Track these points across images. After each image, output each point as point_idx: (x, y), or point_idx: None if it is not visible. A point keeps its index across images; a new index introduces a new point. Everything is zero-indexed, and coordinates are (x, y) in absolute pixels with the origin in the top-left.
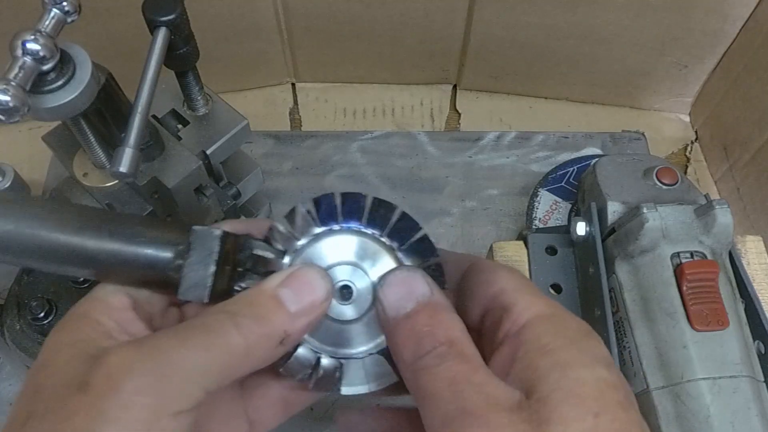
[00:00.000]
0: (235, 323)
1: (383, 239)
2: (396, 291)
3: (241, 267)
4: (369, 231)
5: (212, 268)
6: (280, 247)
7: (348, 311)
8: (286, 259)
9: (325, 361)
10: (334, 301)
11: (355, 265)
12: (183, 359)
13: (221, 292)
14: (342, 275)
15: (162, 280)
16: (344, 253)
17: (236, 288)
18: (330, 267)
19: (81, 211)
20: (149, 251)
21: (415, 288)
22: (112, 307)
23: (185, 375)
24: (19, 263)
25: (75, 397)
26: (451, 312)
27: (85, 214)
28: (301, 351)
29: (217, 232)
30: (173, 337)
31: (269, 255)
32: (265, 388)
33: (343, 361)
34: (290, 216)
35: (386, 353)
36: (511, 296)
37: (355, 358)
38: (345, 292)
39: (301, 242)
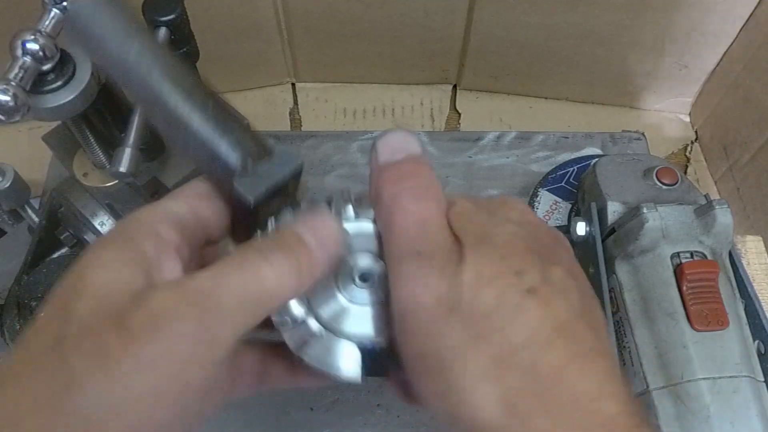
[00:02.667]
0: (265, 258)
1: None
2: (391, 143)
3: (274, 215)
4: None
5: (275, 182)
6: None
7: (359, 295)
8: None
9: (312, 325)
10: (349, 283)
11: (376, 256)
12: (222, 303)
13: (262, 214)
14: (362, 262)
15: (224, 172)
16: (368, 243)
17: (259, 233)
18: (353, 252)
19: (198, 86)
20: (230, 140)
21: (408, 145)
22: (160, 236)
23: (223, 321)
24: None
25: (112, 333)
26: (432, 171)
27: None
28: (293, 303)
29: (299, 161)
30: (211, 279)
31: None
32: (245, 354)
33: (325, 333)
34: (330, 199)
35: (372, 351)
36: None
37: (338, 338)
38: (362, 276)
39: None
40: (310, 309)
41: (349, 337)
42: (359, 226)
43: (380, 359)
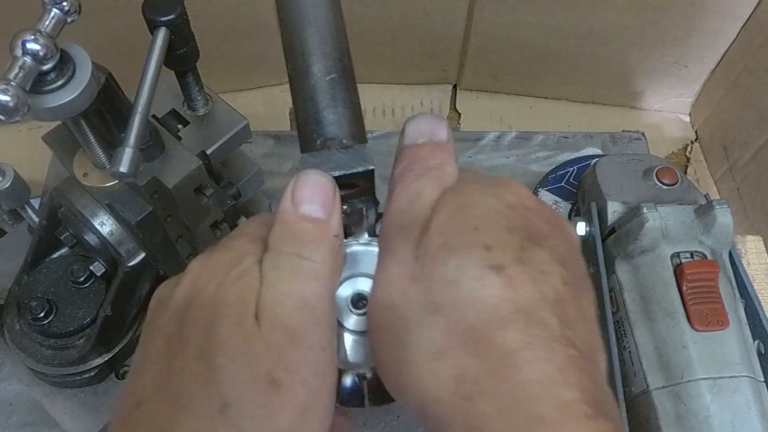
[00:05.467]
0: (301, 254)
1: None
2: (418, 127)
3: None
4: None
5: (333, 170)
6: None
7: (356, 322)
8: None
9: (348, 375)
10: (348, 310)
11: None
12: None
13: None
14: (361, 286)
15: (306, 138)
16: (367, 266)
17: None
18: (352, 276)
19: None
20: (328, 115)
21: (435, 130)
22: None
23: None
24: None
25: (269, 395)
26: (452, 157)
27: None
28: None
29: (370, 167)
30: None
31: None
32: None
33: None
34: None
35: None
36: None
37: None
38: (360, 303)
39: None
40: None
41: (354, 368)
42: (351, 247)
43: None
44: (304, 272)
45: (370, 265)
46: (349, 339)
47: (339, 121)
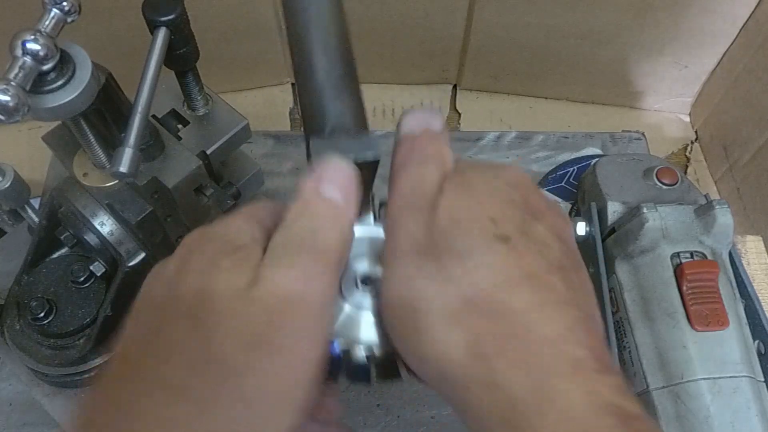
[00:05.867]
0: (315, 230)
1: None
2: (415, 119)
3: None
4: None
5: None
6: None
7: (363, 300)
8: None
9: (355, 352)
10: (356, 288)
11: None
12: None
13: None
14: (364, 266)
15: (314, 125)
16: (369, 249)
17: None
18: (357, 256)
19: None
20: (336, 104)
21: (430, 122)
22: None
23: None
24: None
25: (258, 354)
26: (447, 145)
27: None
28: None
29: (378, 156)
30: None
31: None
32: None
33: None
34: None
35: (382, 357)
36: None
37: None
38: (367, 281)
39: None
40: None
41: (361, 344)
42: (356, 231)
43: (390, 364)
44: (313, 247)
45: (371, 247)
46: (356, 316)
47: (346, 112)
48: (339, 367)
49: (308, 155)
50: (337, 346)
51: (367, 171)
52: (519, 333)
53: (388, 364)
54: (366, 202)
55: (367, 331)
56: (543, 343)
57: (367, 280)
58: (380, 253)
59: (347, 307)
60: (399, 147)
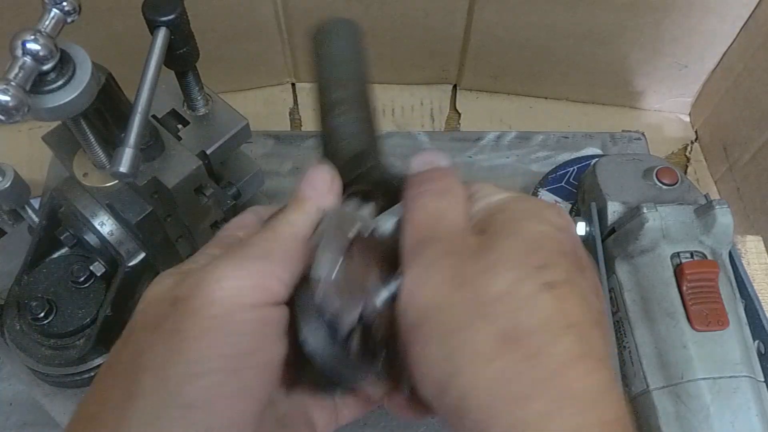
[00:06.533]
0: (282, 219)
1: None
2: (422, 159)
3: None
4: None
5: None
6: None
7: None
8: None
9: None
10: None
11: None
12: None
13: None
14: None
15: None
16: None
17: None
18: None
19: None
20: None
21: (436, 160)
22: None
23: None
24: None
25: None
26: (459, 179)
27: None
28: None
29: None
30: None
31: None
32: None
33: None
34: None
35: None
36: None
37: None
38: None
39: None
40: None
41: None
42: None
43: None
44: (281, 226)
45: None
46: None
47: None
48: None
49: (364, 170)
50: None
51: (381, 203)
52: (557, 381)
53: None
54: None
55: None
56: (580, 396)
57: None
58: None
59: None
60: (411, 183)
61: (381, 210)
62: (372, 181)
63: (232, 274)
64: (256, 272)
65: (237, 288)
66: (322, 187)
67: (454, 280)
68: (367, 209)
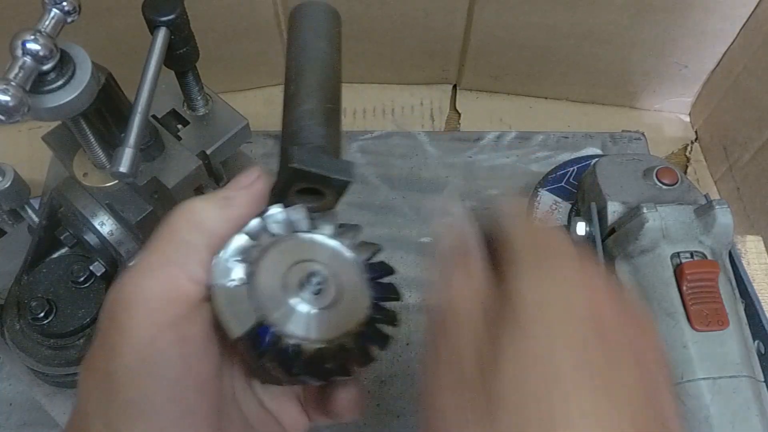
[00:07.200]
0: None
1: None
2: (445, 237)
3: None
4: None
5: (317, 170)
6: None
7: (306, 298)
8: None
9: (284, 341)
10: (301, 289)
11: (326, 266)
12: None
13: (291, 193)
14: (315, 267)
15: (303, 136)
16: (321, 256)
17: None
18: (304, 261)
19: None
20: (322, 129)
21: (449, 207)
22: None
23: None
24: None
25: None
26: (476, 240)
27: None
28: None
29: (350, 180)
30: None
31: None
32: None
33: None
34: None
35: (313, 354)
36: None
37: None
38: (311, 280)
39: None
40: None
41: (291, 336)
42: (314, 237)
43: (317, 363)
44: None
45: (324, 255)
46: (295, 310)
47: (330, 137)
48: (263, 348)
49: (283, 162)
50: (268, 330)
51: (333, 193)
52: None
53: (312, 363)
54: (327, 218)
55: (301, 327)
56: None
57: (310, 278)
58: (332, 260)
59: (288, 298)
60: (436, 262)
61: (323, 209)
62: (313, 178)
63: (142, 295)
64: (164, 282)
65: (150, 310)
66: (245, 183)
67: (468, 395)
68: (301, 212)
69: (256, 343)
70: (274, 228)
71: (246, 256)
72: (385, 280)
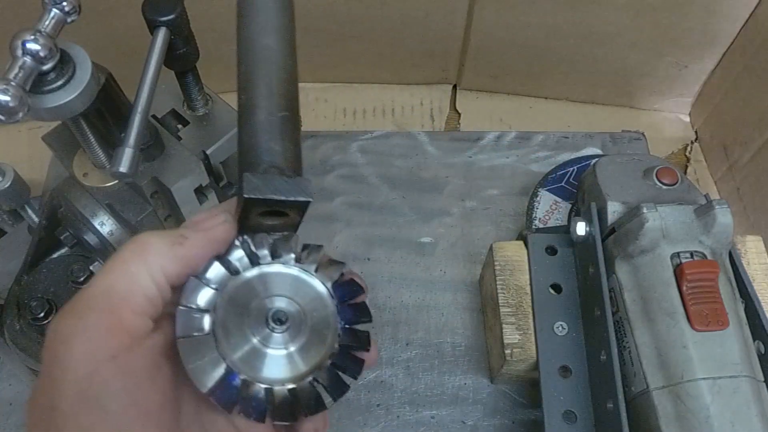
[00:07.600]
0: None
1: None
2: None
3: (269, 231)
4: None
5: (275, 195)
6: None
7: (274, 338)
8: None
9: (255, 387)
10: (263, 327)
11: (291, 299)
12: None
13: (253, 220)
14: (280, 304)
15: (254, 157)
16: (285, 287)
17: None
18: (272, 296)
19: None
20: (277, 144)
21: None
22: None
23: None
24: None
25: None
26: None
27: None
28: (219, 371)
29: (308, 199)
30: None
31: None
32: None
33: (263, 386)
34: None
35: (284, 395)
36: None
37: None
38: (280, 320)
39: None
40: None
41: (262, 381)
42: (276, 268)
43: (290, 404)
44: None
45: (289, 287)
46: (262, 352)
47: (285, 153)
48: (235, 398)
49: (239, 189)
50: (237, 378)
51: (296, 212)
52: None
53: (285, 405)
54: (289, 243)
55: (271, 369)
56: None
57: (278, 318)
58: (298, 291)
59: (254, 341)
60: None
61: (289, 226)
62: (271, 203)
63: (82, 327)
64: (105, 314)
65: (88, 343)
66: (204, 227)
67: None
68: (262, 243)
69: (227, 392)
70: (236, 266)
71: (209, 303)
72: (357, 299)
